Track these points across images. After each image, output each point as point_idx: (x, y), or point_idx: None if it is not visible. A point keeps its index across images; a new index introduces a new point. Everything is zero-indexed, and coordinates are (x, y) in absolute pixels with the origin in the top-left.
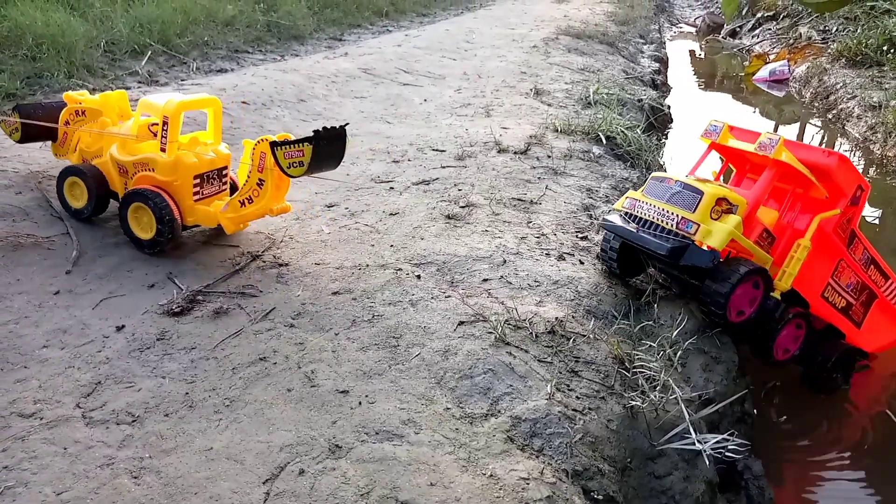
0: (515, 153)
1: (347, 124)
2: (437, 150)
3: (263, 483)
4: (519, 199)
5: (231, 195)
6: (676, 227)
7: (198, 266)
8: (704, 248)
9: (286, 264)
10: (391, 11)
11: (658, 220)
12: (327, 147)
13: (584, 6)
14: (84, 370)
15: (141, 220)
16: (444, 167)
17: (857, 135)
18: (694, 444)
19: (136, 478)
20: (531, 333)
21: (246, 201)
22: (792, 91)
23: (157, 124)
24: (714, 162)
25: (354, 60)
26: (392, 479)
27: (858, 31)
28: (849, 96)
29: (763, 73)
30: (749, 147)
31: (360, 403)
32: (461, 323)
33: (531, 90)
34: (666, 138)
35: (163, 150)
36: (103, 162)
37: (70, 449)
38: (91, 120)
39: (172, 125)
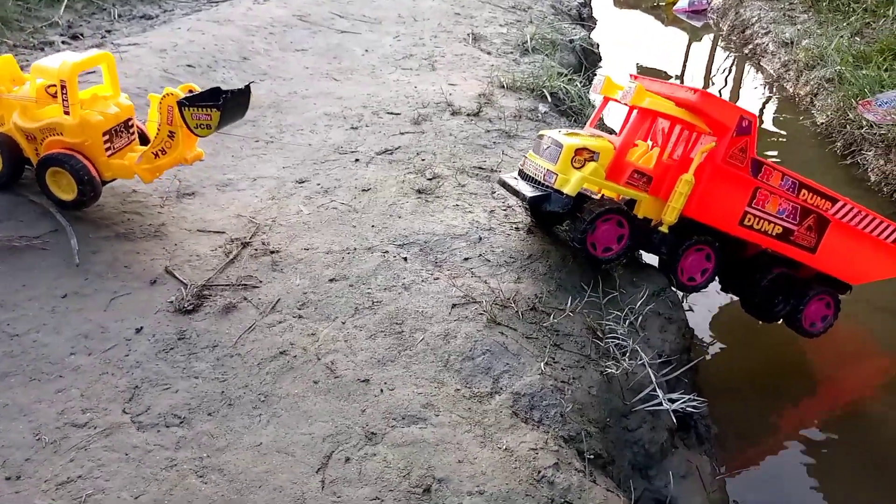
0: (468, 115)
1: (253, 82)
2: (392, 114)
3: (316, 472)
4: (480, 168)
5: (141, 144)
6: (544, 179)
7: (192, 257)
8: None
9: (276, 251)
10: None
11: (535, 174)
12: (233, 107)
13: None
14: (118, 376)
15: (60, 183)
16: (402, 133)
17: (771, 72)
18: (661, 404)
19: (201, 477)
20: (517, 312)
21: (159, 153)
22: (710, 22)
23: (54, 86)
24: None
25: (287, 5)
26: (426, 460)
27: None
28: (763, 31)
29: (682, 3)
30: (618, 97)
31: (381, 391)
32: (454, 306)
33: (469, 35)
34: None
35: (66, 113)
36: (9, 130)
37: (131, 454)
38: None
39: (71, 87)
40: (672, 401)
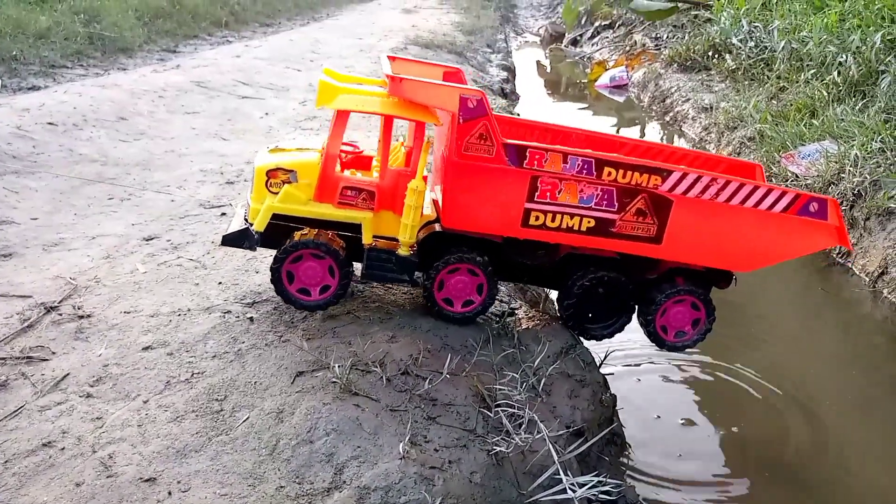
0: None
1: None
2: None
3: None
4: None
5: None
6: (246, 217)
7: None
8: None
9: (88, 315)
10: (231, 22)
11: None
12: None
13: (432, 16)
14: None
15: None
16: None
17: (693, 135)
18: (566, 490)
19: None
20: (381, 378)
21: None
22: (632, 96)
23: None
24: None
25: (187, 73)
26: None
27: (686, 37)
28: (683, 99)
29: (604, 79)
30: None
31: (169, 494)
32: (300, 374)
33: None
34: None
35: None
36: None
37: None
38: None
39: None
40: (581, 485)
